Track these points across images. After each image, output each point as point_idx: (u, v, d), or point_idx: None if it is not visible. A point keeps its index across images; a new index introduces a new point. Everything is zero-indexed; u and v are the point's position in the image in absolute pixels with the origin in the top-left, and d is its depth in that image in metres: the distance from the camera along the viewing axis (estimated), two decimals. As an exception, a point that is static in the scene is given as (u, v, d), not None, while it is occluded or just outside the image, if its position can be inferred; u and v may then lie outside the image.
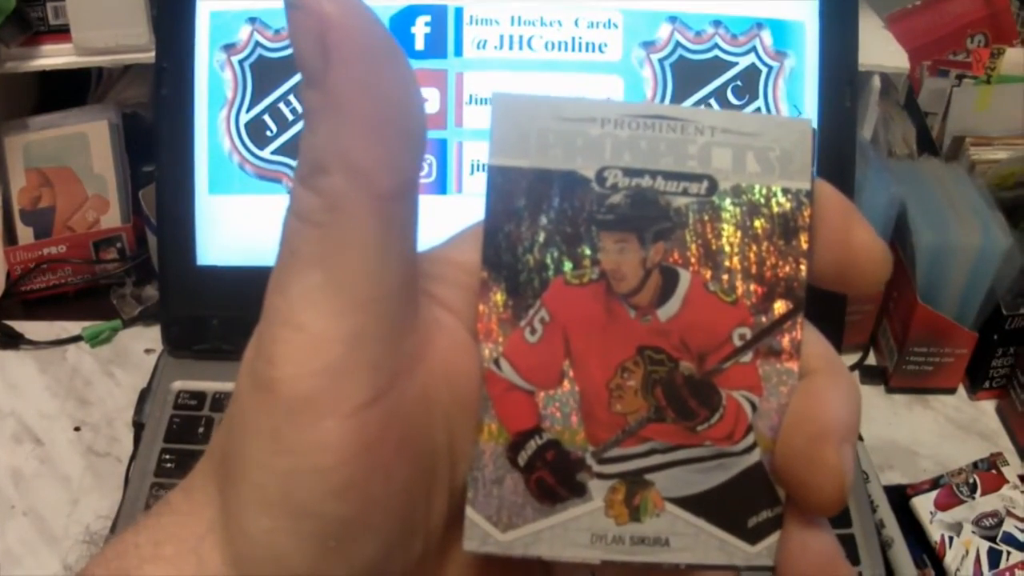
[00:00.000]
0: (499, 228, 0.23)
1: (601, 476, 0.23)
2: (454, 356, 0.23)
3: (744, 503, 0.23)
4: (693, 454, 0.23)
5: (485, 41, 0.69)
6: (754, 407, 0.23)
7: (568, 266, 0.23)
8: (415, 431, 0.22)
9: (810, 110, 0.71)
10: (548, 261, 0.23)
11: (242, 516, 0.21)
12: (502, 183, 0.23)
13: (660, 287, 0.23)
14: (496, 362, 0.23)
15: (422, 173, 0.21)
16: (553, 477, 0.23)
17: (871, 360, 0.81)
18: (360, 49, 0.20)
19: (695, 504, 0.23)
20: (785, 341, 0.23)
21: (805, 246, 0.23)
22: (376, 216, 0.21)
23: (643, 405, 0.23)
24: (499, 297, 0.23)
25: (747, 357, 0.23)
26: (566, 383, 0.23)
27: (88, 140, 0.85)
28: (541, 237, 0.23)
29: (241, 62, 0.70)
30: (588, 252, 0.23)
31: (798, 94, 0.70)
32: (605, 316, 0.23)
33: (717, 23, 0.70)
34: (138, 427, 0.70)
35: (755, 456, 0.23)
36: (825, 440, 0.22)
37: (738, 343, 0.23)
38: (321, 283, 0.21)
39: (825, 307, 0.26)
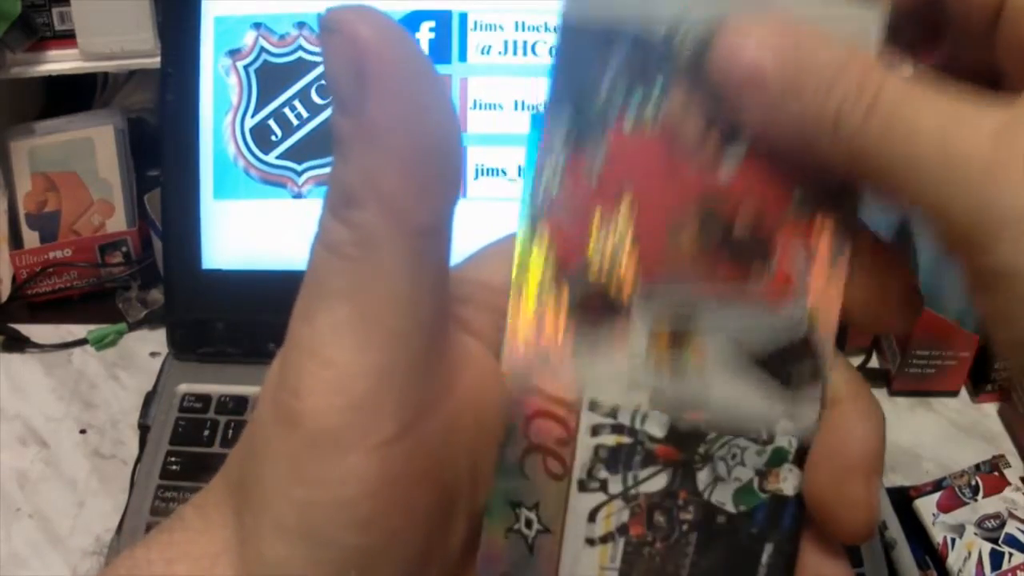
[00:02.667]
0: (568, 76, 0.23)
1: (644, 320, 0.23)
2: (480, 385, 0.23)
3: (787, 374, 0.23)
4: (742, 314, 0.22)
5: (489, 47, 0.69)
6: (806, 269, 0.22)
7: (631, 117, 0.22)
8: (438, 462, 0.21)
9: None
10: (611, 110, 0.22)
11: (259, 541, 0.21)
12: (572, 38, 0.22)
13: (722, 145, 0.22)
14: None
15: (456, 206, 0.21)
16: (596, 315, 0.23)
17: (873, 363, 0.81)
18: (399, 79, 0.20)
19: (738, 368, 0.23)
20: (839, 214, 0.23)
21: None
22: (409, 252, 0.20)
23: (694, 259, 0.22)
24: (559, 141, 0.23)
25: (803, 219, 0.22)
26: (620, 225, 0.22)
27: (94, 145, 0.85)
28: (606, 86, 0.22)
29: (246, 67, 0.70)
30: (653, 105, 0.22)
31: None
32: (664, 169, 0.22)
33: (719, 28, 0.70)
34: (143, 430, 0.70)
35: (803, 329, 0.22)
36: (853, 475, 0.22)
37: (796, 206, 0.22)
38: (349, 317, 0.20)
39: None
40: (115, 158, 0.85)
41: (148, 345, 0.81)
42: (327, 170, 0.69)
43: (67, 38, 0.81)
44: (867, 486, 0.22)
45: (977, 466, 0.69)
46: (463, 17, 0.69)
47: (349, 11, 0.20)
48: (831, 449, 0.22)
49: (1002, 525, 0.65)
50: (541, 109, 0.23)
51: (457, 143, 0.21)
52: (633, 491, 0.23)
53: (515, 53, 0.69)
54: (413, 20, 0.69)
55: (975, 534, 0.65)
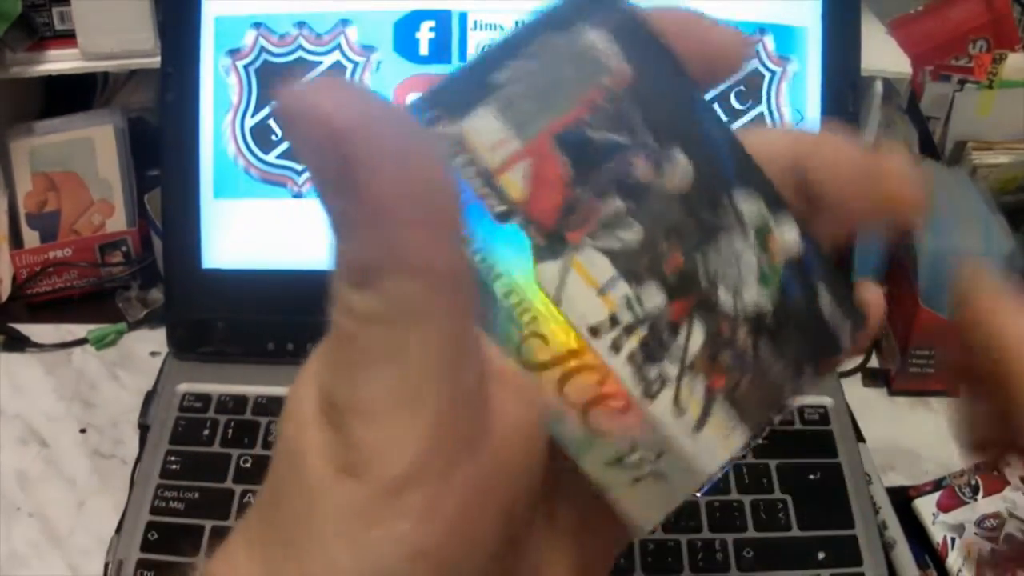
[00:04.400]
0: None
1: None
2: (522, 413, 0.22)
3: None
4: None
5: (489, 47, 0.69)
6: None
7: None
8: (494, 492, 0.21)
9: (812, 115, 0.71)
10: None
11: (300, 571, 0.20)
12: None
13: None
14: None
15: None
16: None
17: (873, 363, 0.81)
18: (391, 151, 0.19)
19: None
20: None
21: None
22: (452, 317, 0.20)
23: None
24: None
25: None
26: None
27: (94, 145, 0.85)
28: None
29: (246, 67, 0.70)
30: None
31: (801, 99, 0.71)
32: None
33: (719, 28, 0.70)
34: (143, 429, 0.70)
35: None
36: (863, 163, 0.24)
37: None
38: (399, 384, 0.20)
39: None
40: (115, 158, 0.85)
41: (148, 345, 0.81)
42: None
43: (67, 38, 0.81)
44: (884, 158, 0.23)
45: (977, 466, 0.69)
46: (463, 17, 0.69)
47: (309, 93, 0.18)
48: (827, 159, 0.24)
49: (1002, 525, 0.65)
50: None
51: (456, 185, 0.21)
52: (688, 360, 0.23)
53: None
54: (413, 20, 0.69)
55: (975, 534, 0.65)
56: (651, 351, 0.23)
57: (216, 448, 0.67)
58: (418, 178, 0.19)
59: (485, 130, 0.22)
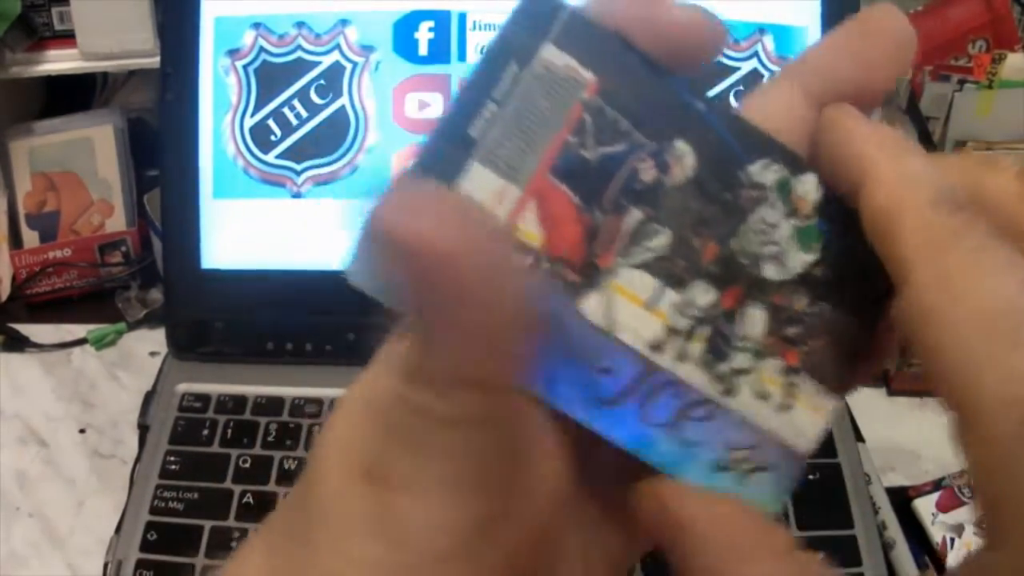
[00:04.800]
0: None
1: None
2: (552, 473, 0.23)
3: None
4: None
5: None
6: None
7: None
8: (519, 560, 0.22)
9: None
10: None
11: None
12: None
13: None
14: None
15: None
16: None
17: (873, 363, 0.81)
18: (485, 286, 0.18)
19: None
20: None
21: None
22: (507, 417, 0.20)
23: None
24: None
25: None
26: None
27: (93, 145, 0.85)
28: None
29: (245, 67, 0.70)
30: None
31: (800, 98, 0.71)
32: None
33: (719, 28, 0.70)
34: (143, 429, 0.70)
35: None
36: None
37: None
38: (451, 471, 0.20)
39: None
40: (115, 158, 0.85)
41: (148, 345, 0.81)
42: (326, 169, 0.69)
43: (67, 38, 0.81)
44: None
45: (976, 466, 0.69)
46: (462, 17, 0.69)
47: (405, 212, 0.17)
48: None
49: (1001, 525, 0.65)
50: None
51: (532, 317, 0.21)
52: (755, 345, 0.23)
53: (514, 53, 0.69)
54: (412, 20, 0.69)
55: (974, 534, 0.65)
56: (717, 348, 0.23)
57: (215, 448, 0.67)
58: (505, 313, 0.19)
59: (481, 187, 0.22)
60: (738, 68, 0.70)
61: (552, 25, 0.22)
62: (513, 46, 0.22)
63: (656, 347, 0.22)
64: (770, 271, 0.23)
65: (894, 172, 0.20)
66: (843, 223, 0.23)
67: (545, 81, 0.22)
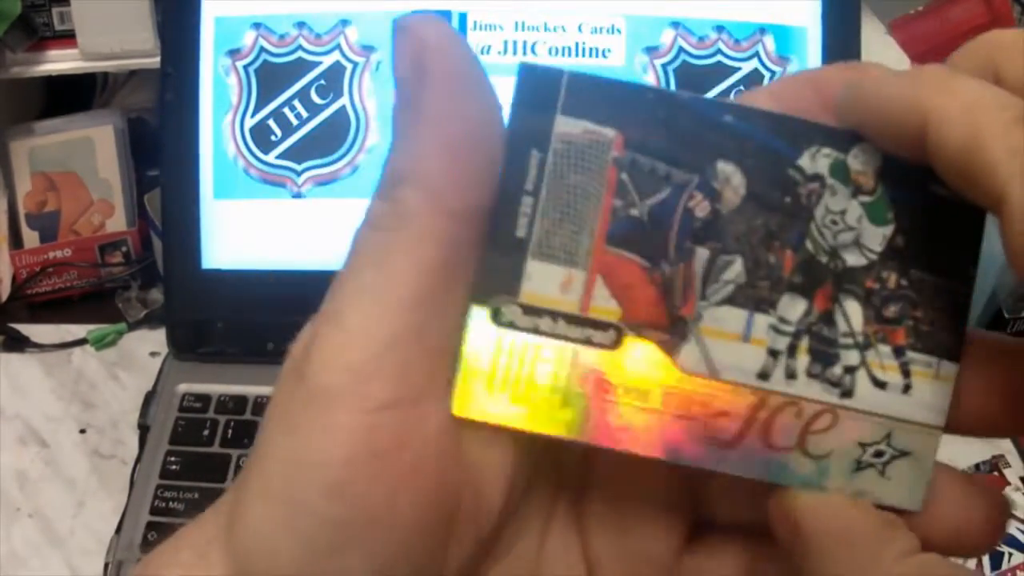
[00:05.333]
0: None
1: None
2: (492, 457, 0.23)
3: None
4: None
5: (489, 47, 0.69)
6: None
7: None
8: (435, 464, 0.21)
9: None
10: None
11: (245, 505, 0.21)
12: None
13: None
14: None
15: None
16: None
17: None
18: (451, 71, 0.21)
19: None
20: None
21: None
22: (440, 232, 0.21)
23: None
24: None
25: None
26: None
27: (94, 145, 0.85)
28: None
29: (246, 67, 0.70)
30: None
31: (800, 99, 0.71)
32: None
33: (720, 28, 0.70)
34: (143, 429, 0.70)
35: None
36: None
37: None
38: (371, 284, 0.21)
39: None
40: (115, 158, 0.85)
41: (148, 345, 0.81)
42: (327, 170, 0.69)
43: (67, 38, 0.81)
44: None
45: (977, 466, 0.69)
46: (463, 17, 0.69)
47: (418, 16, 0.22)
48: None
49: (1002, 525, 0.65)
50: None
51: (499, 142, 0.22)
52: (859, 338, 0.23)
53: (515, 53, 0.69)
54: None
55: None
56: (822, 355, 0.23)
57: (216, 448, 0.67)
58: (467, 106, 0.21)
59: (546, 282, 0.22)
60: (739, 68, 0.70)
61: (556, 95, 0.22)
62: (526, 132, 0.22)
63: (763, 375, 0.22)
64: (853, 258, 0.23)
65: (957, 104, 0.20)
66: (907, 181, 0.22)
67: (570, 155, 0.22)
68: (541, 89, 0.22)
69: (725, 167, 0.22)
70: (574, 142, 0.22)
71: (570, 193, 0.22)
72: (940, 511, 0.23)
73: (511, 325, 0.22)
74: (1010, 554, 0.64)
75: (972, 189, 0.20)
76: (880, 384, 0.23)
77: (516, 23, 0.69)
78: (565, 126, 0.22)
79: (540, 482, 0.25)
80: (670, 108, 0.22)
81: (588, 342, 0.22)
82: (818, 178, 0.22)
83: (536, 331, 0.22)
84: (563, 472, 0.26)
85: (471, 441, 0.22)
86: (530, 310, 0.22)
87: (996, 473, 0.68)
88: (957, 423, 0.23)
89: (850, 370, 0.23)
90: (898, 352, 0.23)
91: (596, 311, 0.22)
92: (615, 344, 0.22)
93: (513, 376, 0.22)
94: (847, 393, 0.23)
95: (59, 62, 0.82)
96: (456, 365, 0.22)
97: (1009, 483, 0.67)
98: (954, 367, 0.23)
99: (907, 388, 0.23)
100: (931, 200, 0.22)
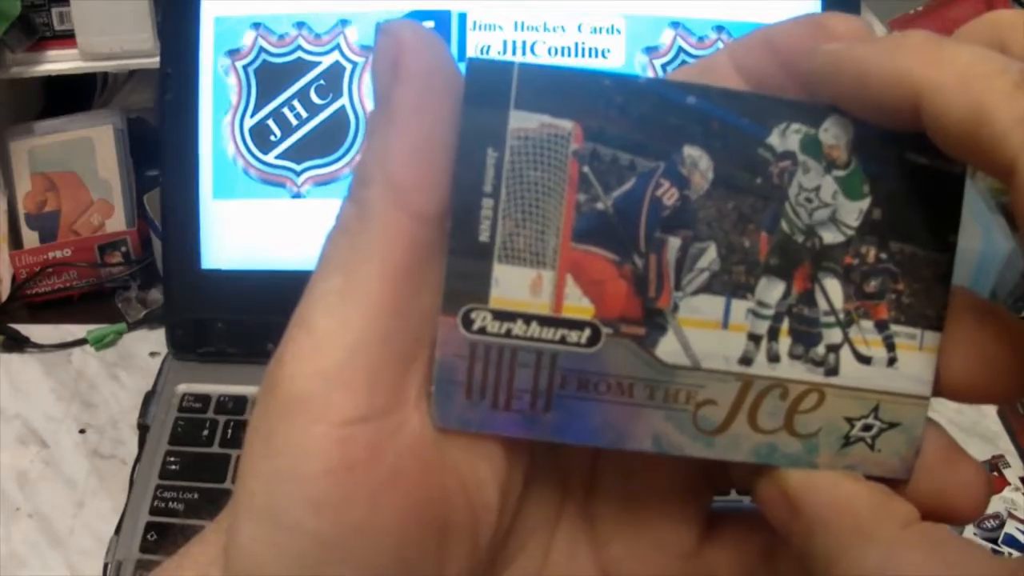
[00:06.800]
0: None
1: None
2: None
3: None
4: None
5: (488, 47, 0.69)
6: None
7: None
8: (417, 472, 0.21)
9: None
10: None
11: (236, 526, 0.21)
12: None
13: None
14: None
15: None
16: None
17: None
18: (423, 70, 0.21)
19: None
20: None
21: None
22: (406, 233, 0.21)
23: None
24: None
25: None
26: None
27: (93, 145, 0.85)
28: None
29: (245, 67, 0.70)
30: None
31: (800, 98, 0.71)
32: None
33: (720, 28, 0.70)
34: (143, 429, 0.70)
35: None
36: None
37: None
38: (339, 288, 0.21)
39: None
40: (115, 158, 0.85)
41: (148, 345, 0.81)
42: (326, 170, 0.69)
43: (67, 38, 0.81)
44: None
45: (976, 466, 0.69)
46: (462, 17, 0.69)
47: (401, 20, 0.22)
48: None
49: (1001, 525, 0.65)
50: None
51: None
52: (841, 315, 0.22)
53: (514, 53, 0.69)
54: (412, 20, 0.69)
55: (975, 534, 0.65)
56: (804, 335, 0.22)
57: (215, 448, 0.67)
58: (436, 107, 0.21)
59: (514, 287, 0.22)
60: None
61: (508, 90, 0.21)
62: (480, 131, 0.21)
63: (746, 361, 0.22)
64: (830, 235, 0.22)
65: (953, 73, 0.19)
66: (882, 152, 0.22)
67: (528, 151, 0.21)
68: (492, 84, 0.21)
69: (691, 151, 0.22)
70: (531, 137, 0.21)
71: (531, 191, 0.21)
72: (924, 475, 0.22)
73: (483, 332, 0.22)
74: (1010, 554, 0.64)
75: (978, 161, 0.19)
76: (864, 360, 0.22)
77: (516, 23, 0.69)
78: (520, 121, 0.21)
79: (542, 486, 0.25)
80: (629, 94, 0.21)
81: (564, 342, 0.22)
82: (789, 155, 0.22)
83: (510, 336, 0.22)
84: (568, 474, 0.26)
85: (455, 448, 0.22)
86: (501, 315, 0.22)
87: (996, 473, 0.68)
88: (943, 390, 0.22)
89: (833, 348, 0.22)
90: (881, 327, 0.22)
91: (569, 310, 0.22)
92: (592, 342, 0.22)
93: (491, 383, 0.22)
94: (832, 371, 0.22)
95: (59, 62, 0.82)
96: (432, 375, 0.22)
97: (1009, 483, 0.67)
98: (937, 336, 0.22)
99: (892, 361, 0.22)
100: (908, 169, 0.22)
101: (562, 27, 0.69)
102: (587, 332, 0.22)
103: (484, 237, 0.21)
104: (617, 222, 0.22)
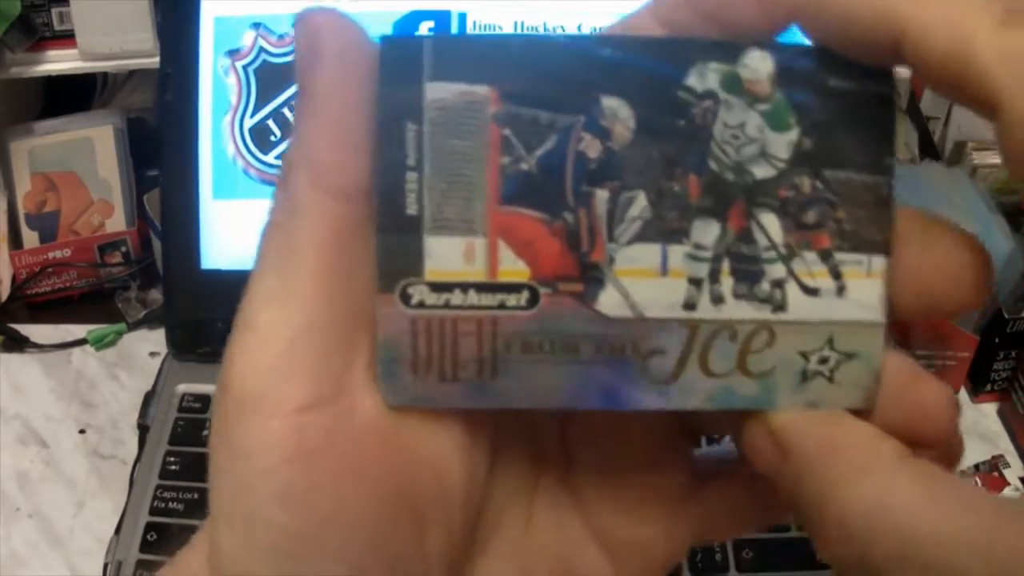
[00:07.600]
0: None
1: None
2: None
3: None
4: None
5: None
6: None
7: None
8: (376, 455, 0.21)
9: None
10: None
11: (215, 530, 0.21)
12: None
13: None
14: None
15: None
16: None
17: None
18: (338, 51, 0.21)
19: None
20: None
21: None
22: (332, 216, 0.21)
23: None
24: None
25: None
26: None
27: (93, 145, 0.85)
28: None
29: (245, 67, 0.70)
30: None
31: (800, 98, 0.71)
32: None
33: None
34: (143, 430, 0.70)
35: None
36: None
37: None
38: (273, 280, 0.21)
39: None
40: (115, 158, 0.85)
41: (147, 345, 0.81)
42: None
43: (67, 38, 0.81)
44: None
45: (976, 466, 0.69)
46: (462, 17, 0.69)
47: (316, 8, 0.22)
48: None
49: (1001, 525, 0.65)
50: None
51: None
52: (782, 249, 0.22)
53: (514, 53, 0.69)
54: (412, 20, 0.69)
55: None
56: (747, 273, 0.22)
57: (215, 449, 0.67)
58: (352, 87, 0.21)
59: (447, 257, 0.21)
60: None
61: (420, 63, 0.21)
62: (396, 106, 0.21)
63: (689, 306, 0.22)
64: (761, 171, 0.22)
65: (936, 9, 0.19)
66: (805, 81, 0.22)
67: (447, 121, 0.21)
68: (405, 59, 0.21)
69: (610, 102, 0.21)
70: (448, 107, 0.21)
71: (454, 160, 0.21)
72: (888, 403, 0.22)
73: (421, 305, 0.22)
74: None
75: (962, 97, 0.19)
76: (812, 291, 0.22)
77: (516, 23, 0.69)
78: (436, 92, 0.21)
79: (511, 457, 0.25)
80: (542, 53, 0.21)
81: (503, 307, 0.22)
82: (710, 95, 0.22)
83: (448, 306, 0.22)
84: (539, 443, 0.26)
85: (413, 427, 0.22)
86: (438, 287, 0.21)
87: (996, 473, 0.68)
88: (898, 311, 0.22)
89: (778, 283, 0.22)
90: (825, 256, 0.22)
91: (505, 274, 0.22)
92: (531, 303, 0.22)
93: (436, 356, 0.22)
94: (779, 307, 0.22)
95: (59, 62, 0.82)
96: (376, 355, 0.22)
97: (1009, 483, 0.67)
98: (885, 260, 0.22)
99: (841, 290, 0.22)
100: (834, 96, 0.21)
101: (562, 27, 0.69)
102: (525, 294, 0.22)
103: (412, 211, 0.21)
104: (543, 181, 0.21)
